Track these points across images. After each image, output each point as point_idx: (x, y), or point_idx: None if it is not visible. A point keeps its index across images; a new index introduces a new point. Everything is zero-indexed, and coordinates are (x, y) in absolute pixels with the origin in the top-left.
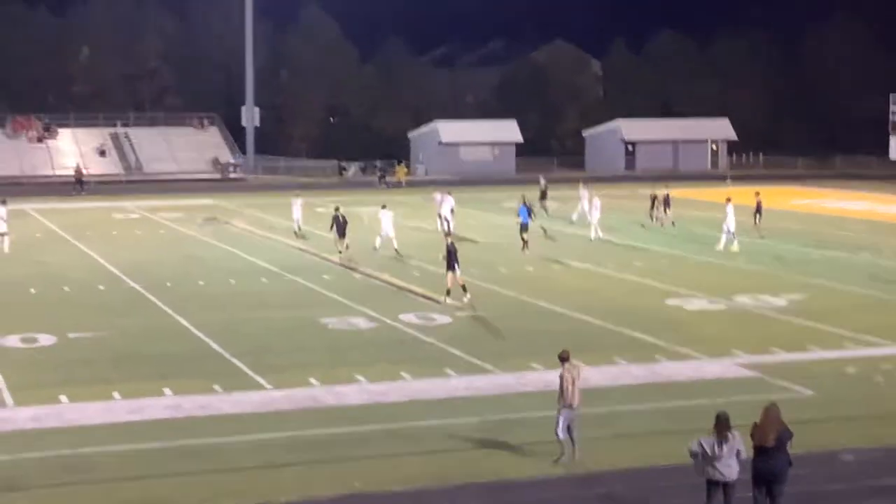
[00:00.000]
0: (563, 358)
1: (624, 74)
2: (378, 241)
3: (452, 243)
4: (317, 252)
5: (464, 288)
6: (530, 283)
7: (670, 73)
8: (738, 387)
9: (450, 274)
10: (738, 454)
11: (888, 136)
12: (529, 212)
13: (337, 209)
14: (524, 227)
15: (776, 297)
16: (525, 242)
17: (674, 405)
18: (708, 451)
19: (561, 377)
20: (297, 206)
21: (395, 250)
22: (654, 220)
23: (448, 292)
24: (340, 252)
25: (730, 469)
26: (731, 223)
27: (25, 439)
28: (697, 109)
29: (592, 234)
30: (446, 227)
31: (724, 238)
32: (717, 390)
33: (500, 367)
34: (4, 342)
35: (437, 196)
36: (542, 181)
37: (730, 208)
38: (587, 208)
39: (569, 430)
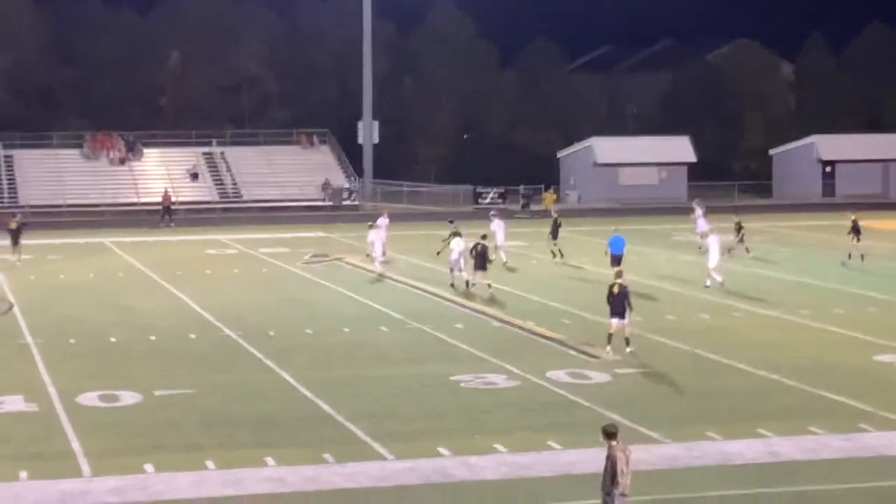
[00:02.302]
0: (610, 433)
1: (821, 79)
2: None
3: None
4: (446, 295)
5: (627, 341)
6: (705, 333)
7: (880, 78)
8: None
9: (614, 321)
10: None
11: None
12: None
13: (484, 237)
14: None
15: None
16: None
17: (883, 485)
18: None
19: (609, 458)
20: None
21: (467, 282)
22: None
23: (610, 339)
24: (472, 284)
25: None
26: None
27: None
28: None
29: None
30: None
31: None
32: None
33: (668, 436)
34: (81, 400)
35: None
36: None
37: None
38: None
39: None
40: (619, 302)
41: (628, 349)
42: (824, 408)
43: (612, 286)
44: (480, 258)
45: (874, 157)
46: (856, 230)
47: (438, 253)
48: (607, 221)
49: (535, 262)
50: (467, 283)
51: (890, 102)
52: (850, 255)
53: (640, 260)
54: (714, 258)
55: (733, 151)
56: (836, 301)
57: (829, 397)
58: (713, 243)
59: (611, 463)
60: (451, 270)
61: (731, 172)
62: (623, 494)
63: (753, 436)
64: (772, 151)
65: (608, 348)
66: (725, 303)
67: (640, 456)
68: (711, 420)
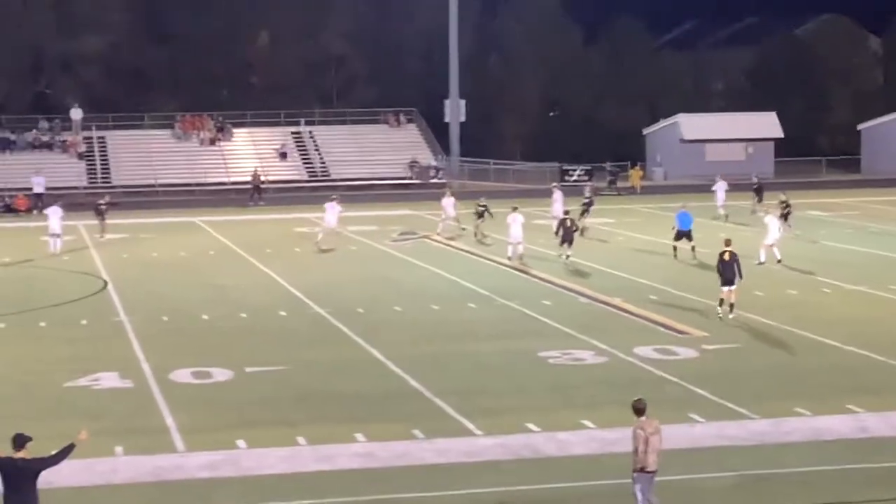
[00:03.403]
0: (639, 409)
1: None
2: (510, 250)
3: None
4: (534, 272)
5: (732, 307)
6: (794, 308)
7: None
8: None
9: (725, 288)
10: None
11: None
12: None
13: (567, 213)
14: (681, 235)
15: None
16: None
17: None
18: None
19: (634, 434)
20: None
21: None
22: None
23: (722, 304)
24: (566, 256)
25: None
26: None
27: (198, 490)
28: None
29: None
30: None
31: None
32: None
33: (757, 412)
34: (174, 377)
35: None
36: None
37: None
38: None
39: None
40: (728, 269)
41: (731, 315)
42: None
43: (722, 254)
44: (568, 232)
45: None
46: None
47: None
48: (695, 198)
49: (621, 238)
50: (562, 255)
51: None
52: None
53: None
54: (772, 235)
55: (820, 127)
56: None
57: None
58: (771, 222)
59: (633, 439)
60: (513, 246)
61: (818, 148)
62: (643, 470)
63: (843, 412)
64: (860, 126)
65: (719, 311)
66: (815, 278)
67: (732, 432)
68: (800, 396)
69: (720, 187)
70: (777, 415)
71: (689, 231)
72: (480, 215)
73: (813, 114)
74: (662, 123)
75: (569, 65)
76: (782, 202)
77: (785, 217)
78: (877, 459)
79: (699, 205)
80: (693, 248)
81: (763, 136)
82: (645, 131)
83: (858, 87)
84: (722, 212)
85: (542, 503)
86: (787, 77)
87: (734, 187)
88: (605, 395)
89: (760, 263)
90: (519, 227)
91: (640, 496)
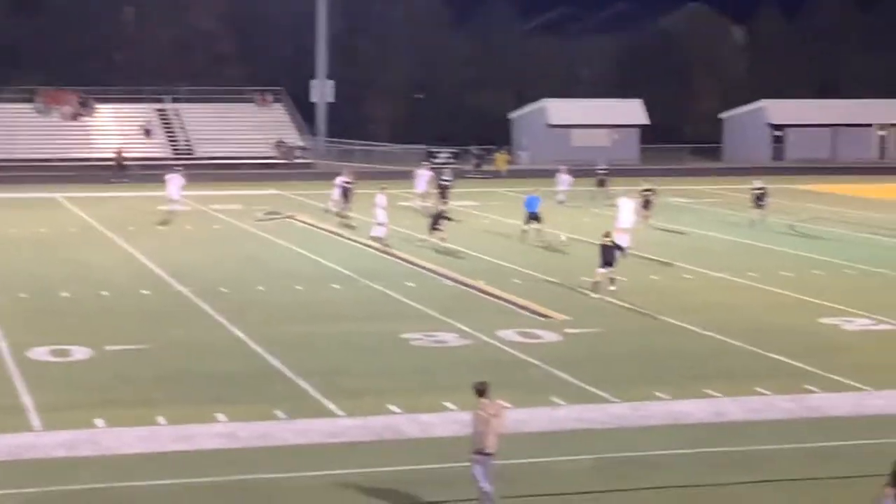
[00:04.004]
0: (481, 391)
1: (773, 45)
2: (375, 231)
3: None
4: (398, 254)
5: (612, 280)
6: (655, 294)
7: (831, 44)
8: None
9: (602, 269)
10: None
11: None
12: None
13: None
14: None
15: None
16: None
17: (829, 445)
18: None
19: (474, 415)
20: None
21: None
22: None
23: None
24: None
25: None
26: None
27: (55, 469)
28: (863, 88)
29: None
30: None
31: None
32: (882, 428)
33: (617, 396)
34: (32, 355)
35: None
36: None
37: None
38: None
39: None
40: (609, 253)
41: (612, 287)
42: (770, 369)
43: (605, 239)
44: (436, 219)
45: (823, 122)
46: (758, 198)
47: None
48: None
49: (486, 221)
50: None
51: (840, 68)
52: (753, 222)
53: (591, 221)
54: (626, 219)
55: (685, 115)
56: (783, 264)
57: (776, 358)
58: (624, 205)
59: (473, 421)
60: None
61: (683, 135)
62: (481, 452)
63: (701, 396)
64: (722, 115)
65: (593, 291)
66: (676, 265)
67: (592, 415)
68: (660, 380)
69: (563, 180)
70: (637, 399)
71: (537, 213)
72: (346, 195)
73: (678, 102)
74: (529, 108)
75: (437, 47)
76: (645, 190)
77: (646, 205)
78: (733, 443)
79: (563, 189)
80: (539, 231)
81: (628, 122)
82: (511, 115)
83: (722, 76)
84: (562, 197)
85: (404, 484)
86: (653, 65)
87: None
88: (468, 378)
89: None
90: (383, 208)
91: (479, 478)
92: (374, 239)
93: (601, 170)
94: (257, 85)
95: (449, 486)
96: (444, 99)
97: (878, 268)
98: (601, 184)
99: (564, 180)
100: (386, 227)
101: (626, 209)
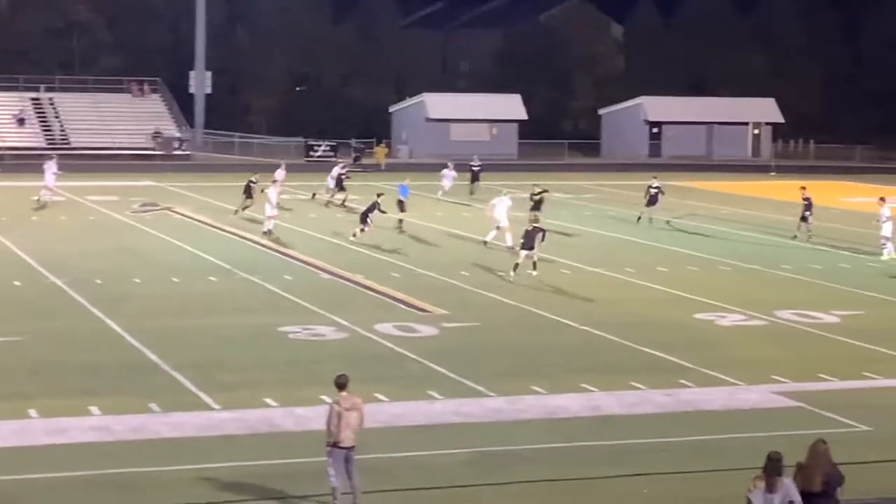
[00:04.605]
0: (340, 384)
1: (650, 42)
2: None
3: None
4: (276, 247)
5: (534, 265)
6: (533, 289)
7: (706, 43)
8: (779, 419)
9: (524, 252)
10: None
11: None
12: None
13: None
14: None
15: (827, 313)
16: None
17: (702, 439)
18: None
19: (329, 409)
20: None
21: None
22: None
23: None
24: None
25: None
26: (887, 228)
27: None
28: (738, 87)
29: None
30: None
31: (890, 246)
32: (754, 423)
33: (494, 390)
34: None
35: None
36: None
37: (885, 211)
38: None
39: (350, 474)
40: (530, 237)
41: (535, 272)
42: (646, 363)
43: (529, 223)
44: (365, 215)
45: (699, 120)
46: (653, 196)
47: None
48: (438, 177)
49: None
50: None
51: (715, 66)
52: (640, 218)
53: (471, 215)
54: (500, 214)
55: (563, 110)
56: (659, 260)
57: (651, 353)
58: (500, 203)
59: (328, 414)
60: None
61: (561, 131)
62: (335, 446)
63: (577, 390)
64: (601, 111)
65: (512, 275)
66: (554, 259)
67: (468, 409)
68: (537, 374)
69: (448, 175)
70: (513, 393)
71: (403, 202)
72: (248, 191)
73: (557, 98)
74: (408, 102)
75: (318, 40)
76: (538, 192)
77: (537, 206)
78: (608, 437)
79: (440, 184)
80: (400, 221)
81: (507, 117)
82: (391, 109)
83: (600, 72)
84: (440, 194)
85: (278, 478)
86: (532, 61)
87: (483, 167)
88: (345, 371)
89: (509, 247)
90: (273, 201)
91: (331, 472)
92: (265, 234)
93: (475, 165)
94: (134, 75)
95: (323, 480)
96: (323, 92)
97: (751, 264)
98: (474, 178)
99: (450, 176)
100: (275, 219)
101: (502, 208)
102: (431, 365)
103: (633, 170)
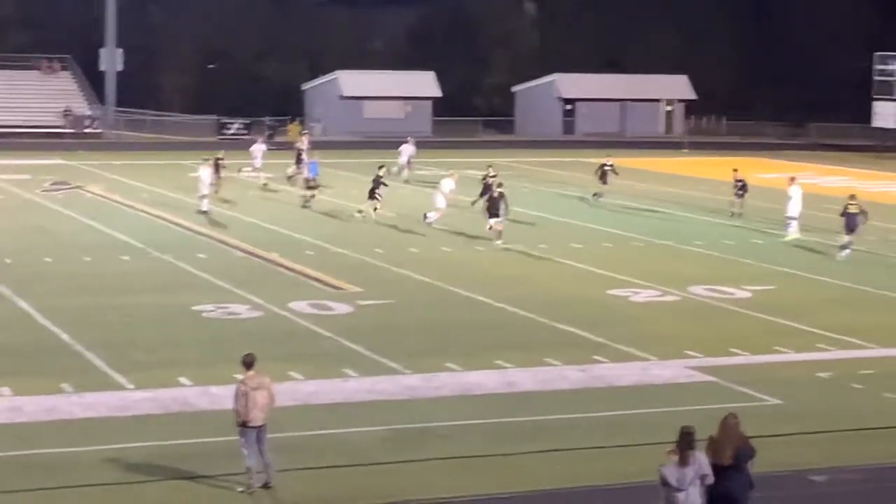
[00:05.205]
0: (247, 363)
1: (564, 20)
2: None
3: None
4: (190, 225)
5: (500, 234)
6: (448, 266)
7: (621, 20)
8: (692, 394)
9: (493, 220)
10: (703, 479)
11: (871, 101)
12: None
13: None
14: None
15: (738, 288)
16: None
17: (616, 415)
18: (672, 481)
19: (236, 389)
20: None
21: None
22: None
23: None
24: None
25: (689, 499)
26: (794, 207)
27: None
28: (653, 64)
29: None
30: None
31: (794, 225)
32: (667, 398)
33: (409, 367)
34: None
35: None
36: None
37: (794, 190)
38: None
39: (262, 453)
40: (495, 204)
41: (499, 242)
42: (561, 340)
43: (492, 193)
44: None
45: (613, 97)
46: (604, 173)
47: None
48: (352, 154)
49: (280, 192)
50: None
51: (630, 44)
52: (596, 195)
53: (384, 193)
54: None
55: (478, 88)
56: (573, 236)
57: (566, 329)
58: (446, 183)
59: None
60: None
61: (475, 108)
62: (245, 425)
63: (492, 367)
64: (514, 88)
65: (498, 242)
66: (468, 236)
67: (384, 387)
68: (452, 352)
69: (406, 150)
70: (428, 370)
71: (316, 177)
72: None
73: (471, 75)
74: (322, 79)
75: (231, 16)
76: (489, 176)
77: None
78: (523, 413)
79: (356, 161)
80: (312, 197)
81: (421, 95)
82: (304, 86)
83: (514, 49)
84: (397, 169)
85: (192, 457)
86: (446, 38)
87: (392, 145)
88: (259, 350)
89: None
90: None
91: (245, 451)
92: (202, 213)
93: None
94: (43, 52)
95: (238, 459)
96: (236, 69)
97: (664, 240)
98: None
99: (408, 150)
100: (209, 198)
101: (444, 189)
102: (346, 343)
103: (547, 146)
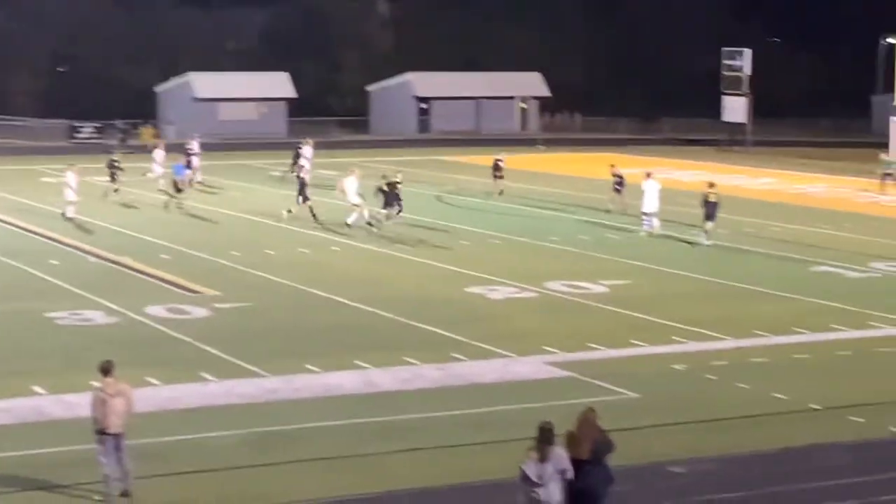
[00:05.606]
0: (104, 370)
1: (420, 19)
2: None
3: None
4: (42, 231)
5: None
6: (305, 267)
7: (476, 19)
8: (551, 389)
9: (385, 210)
10: (563, 474)
11: (721, 96)
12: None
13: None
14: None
15: (595, 283)
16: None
17: (476, 412)
18: (532, 477)
19: (93, 396)
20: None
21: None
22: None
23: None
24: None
25: (549, 494)
26: (650, 203)
27: None
28: (509, 62)
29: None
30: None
31: (654, 222)
32: (526, 393)
33: (268, 370)
34: None
35: None
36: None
37: (650, 185)
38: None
39: (121, 460)
40: (392, 197)
41: (374, 229)
42: (419, 339)
43: (390, 187)
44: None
45: (468, 95)
46: (497, 169)
47: None
48: (207, 156)
49: (131, 196)
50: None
51: (484, 42)
52: (500, 192)
53: (240, 195)
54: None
55: (332, 88)
56: (431, 234)
57: (424, 328)
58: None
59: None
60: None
61: (330, 108)
62: (103, 433)
63: (352, 367)
64: (368, 88)
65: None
66: (325, 237)
67: (243, 390)
68: (311, 353)
69: (306, 152)
70: (288, 372)
71: (181, 179)
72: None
73: (325, 75)
74: (174, 81)
75: (82, 20)
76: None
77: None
78: (384, 413)
79: (212, 164)
80: (173, 198)
81: (276, 95)
82: (157, 89)
83: (369, 49)
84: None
85: (49, 467)
86: (299, 38)
87: (247, 146)
88: (116, 356)
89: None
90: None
91: (102, 459)
92: (68, 219)
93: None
94: None
95: (95, 467)
96: (88, 72)
97: (520, 237)
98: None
99: (309, 152)
100: (76, 205)
101: (350, 186)
102: (204, 347)
103: (403, 146)
